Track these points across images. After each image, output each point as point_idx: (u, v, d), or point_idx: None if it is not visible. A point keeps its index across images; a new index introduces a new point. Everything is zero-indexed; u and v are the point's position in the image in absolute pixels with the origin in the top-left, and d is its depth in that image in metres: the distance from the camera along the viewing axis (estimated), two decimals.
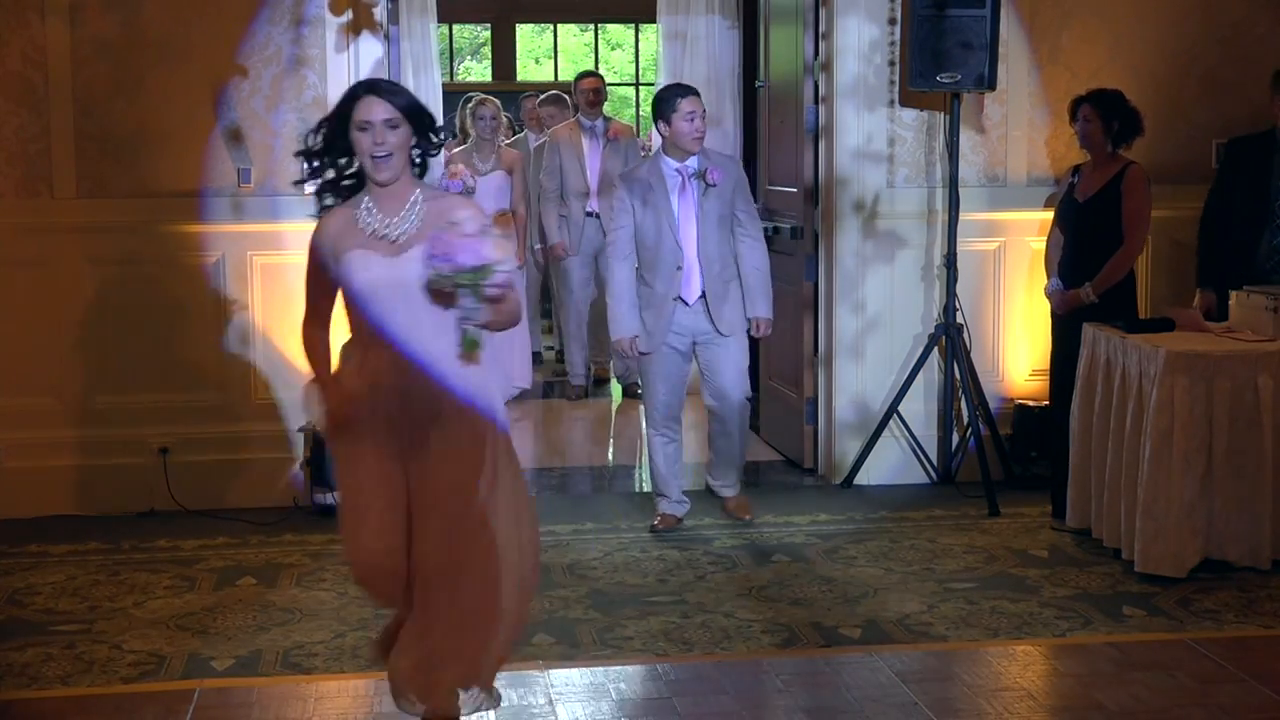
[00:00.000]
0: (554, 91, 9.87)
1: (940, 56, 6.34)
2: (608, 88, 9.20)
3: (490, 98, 8.80)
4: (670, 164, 5.88)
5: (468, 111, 8.83)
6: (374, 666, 4.16)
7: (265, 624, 4.96)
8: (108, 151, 6.27)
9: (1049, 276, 6.31)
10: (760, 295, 6.01)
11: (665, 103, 5.88)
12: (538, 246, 9.12)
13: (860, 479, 6.74)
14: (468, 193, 8.44)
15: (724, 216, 5.92)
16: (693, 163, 5.87)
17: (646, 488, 7.08)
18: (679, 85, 6.15)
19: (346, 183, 3.83)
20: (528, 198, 8.85)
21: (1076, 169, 6.25)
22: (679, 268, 5.88)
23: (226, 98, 6.32)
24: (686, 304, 5.92)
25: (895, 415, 6.70)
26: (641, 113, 15.05)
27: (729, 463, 6.22)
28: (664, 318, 5.91)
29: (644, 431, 5.96)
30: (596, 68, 12.47)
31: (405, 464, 3.68)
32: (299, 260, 6.33)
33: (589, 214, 8.78)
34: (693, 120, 5.80)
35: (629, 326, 5.91)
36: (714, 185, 5.86)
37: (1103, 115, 6.01)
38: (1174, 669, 4.50)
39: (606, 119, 8.96)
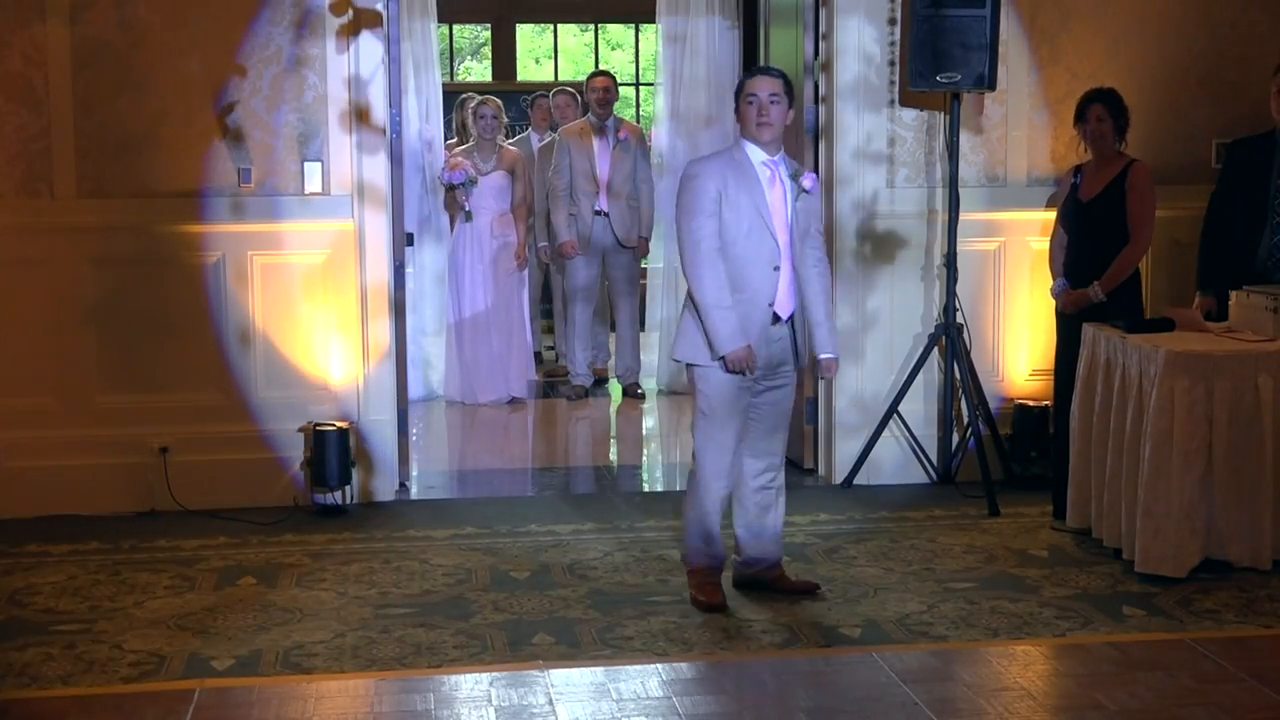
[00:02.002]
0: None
1: (940, 56, 6.34)
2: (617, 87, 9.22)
3: (491, 97, 8.83)
4: (757, 152, 5.02)
5: (469, 111, 8.85)
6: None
7: (265, 624, 4.96)
8: (108, 151, 6.27)
9: (1054, 277, 6.32)
10: (831, 330, 5.19)
11: (736, 89, 5.13)
12: (542, 245, 9.13)
13: (860, 479, 6.74)
14: (470, 184, 8.47)
15: (804, 233, 5.10)
16: (781, 162, 5.06)
17: (648, 488, 7.09)
18: (755, 67, 5.31)
19: None
20: (531, 197, 8.87)
21: (1078, 169, 6.26)
22: (776, 268, 4.98)
23: (226, 98, 6.32)
24: (780, 319, 5.03)
25: (895, 415, 6.70)
26: (642, 113, 15.05)
27: (776, 534, 5.29)
28: (755, 331, 4.97)
29: (697, 478, 5.07)
30: (597, 68, 12.49)
31: None
32: (299, 259, 6.43)
33: (597, 213, 8.81)
34: (753, 104, 4.95)
35: (739, 336, 4.91)
36: (809, 193, 5.09)
37: (1113, 114, 6.05)
38: (1174, 669, 4.50)
39: (618, 119, 8.98)
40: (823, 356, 5.19)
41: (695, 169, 5.06)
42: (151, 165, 6.32)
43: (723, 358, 4.92)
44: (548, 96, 10.07)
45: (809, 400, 6.99)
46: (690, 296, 5.03)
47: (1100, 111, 6.06)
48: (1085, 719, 4.17)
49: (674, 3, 9.28)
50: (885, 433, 6.71)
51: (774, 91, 4.98)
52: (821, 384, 6.90)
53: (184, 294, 6.36)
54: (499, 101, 8.77)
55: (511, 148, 8.89)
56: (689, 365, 5.09)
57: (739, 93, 5.07)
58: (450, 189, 8.53)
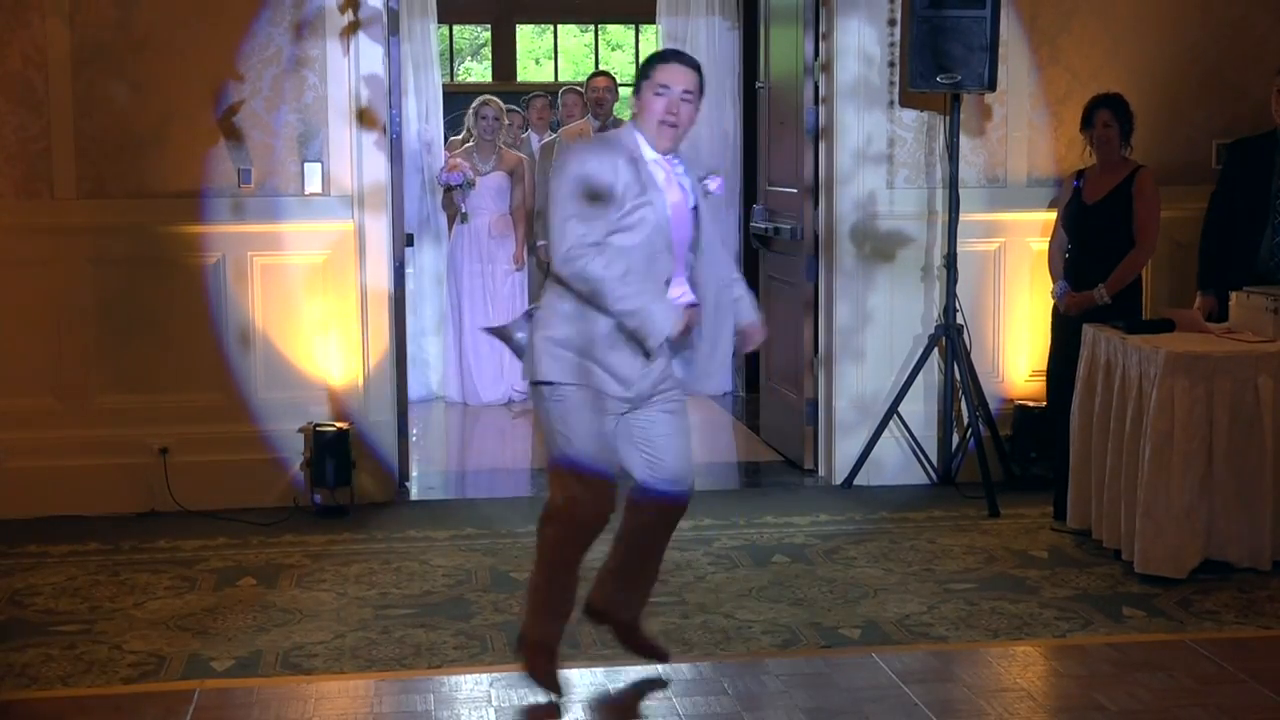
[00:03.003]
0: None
1: (940, 57, 6.34)
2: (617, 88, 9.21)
3: (494, 98, 8.82)
4: (648, 149, 4.12)
5: (470, 111, 8.85)
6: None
7: (265, 624, 4.96)
8: (108, 151, 6.27)
9: (1053, 280, 6.32)
10: (747, 300, 4.45)
11: (641, 70, 4.21)
12: (541, 244, 9.13)
13: (860, 479, 6.73)
14: (468, 185, 8.47)
15: (710, 244, 4.25)
16: (676, 159, 4.19)
17: None
18: (669, 50, 4.43)
19: None
20: (531, 199, 8.87)
21: (1080, 173, 6.27)
22: (668, 282, 4.12)
23: (226, 98, 6.32)
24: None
25: (895, 416, 6.70)
26: None
27: (651, 577, 4.53)
28: (628, 356, 4.12)
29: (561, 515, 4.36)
30: (597, 68, 12.49)
31: None
32: (299, 260, 6.43)
33: None
34: (662, 96, 4.08)
35: (672, 309, 4.05)
36: (714, 195, 4.30)
37: (1119, 119, 6.07)
38: (1174, 669, 4.49)
39: (618, 120, 8.97)
40: (745, 322, 4.36)
41: (585, 157, 4.08)
42: (152, 166, 6.32)
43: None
44: (544, 96, 10.07)
45: (809, 401, 6.99)
46: (535, 314, 4.22)
47: (1107, 117, 6.08)
48: (1085, 719, 4.17)
49: (674, 3, 9.30)
50: (885, 433, 6.71)
51: (689, 89, 4.11)
52: (821, 384, 6.90)
53: (184, 294, 6.36)
54: (500, 103, 8.76)
55: (514, 150, 8.88)
56: (539, 389, 4.18)
57: (645, 75, 4.15)
58: (448, 190, 8.52)
